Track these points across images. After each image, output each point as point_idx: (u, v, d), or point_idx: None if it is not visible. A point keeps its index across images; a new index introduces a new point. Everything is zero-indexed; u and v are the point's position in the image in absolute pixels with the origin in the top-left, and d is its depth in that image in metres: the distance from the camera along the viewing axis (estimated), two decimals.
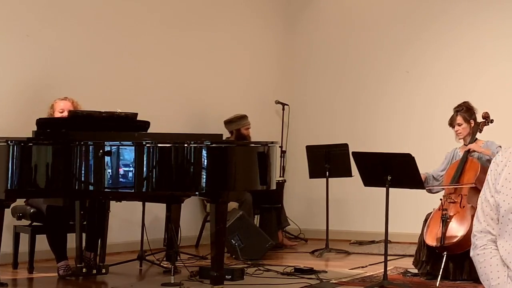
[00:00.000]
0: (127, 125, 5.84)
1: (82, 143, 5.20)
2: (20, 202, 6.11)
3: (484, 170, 5.91)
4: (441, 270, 5.61)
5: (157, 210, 7.39)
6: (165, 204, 6.40)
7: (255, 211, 7.99)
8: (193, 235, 8.10)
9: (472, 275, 5.56)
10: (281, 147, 8.89)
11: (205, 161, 5.21)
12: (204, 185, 5.24)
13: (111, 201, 6.27)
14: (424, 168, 6.16)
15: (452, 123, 6.28)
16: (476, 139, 6.21)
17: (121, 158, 5.19)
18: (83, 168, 5.21)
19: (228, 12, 9.01)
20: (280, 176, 8.70)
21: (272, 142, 5.64)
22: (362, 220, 8.95)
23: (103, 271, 6.04)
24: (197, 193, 5.48)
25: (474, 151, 6.12)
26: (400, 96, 8.99)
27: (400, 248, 7.85)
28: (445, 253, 5.66)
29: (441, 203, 5.94)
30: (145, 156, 5.16)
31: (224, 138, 6.72)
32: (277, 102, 9.26)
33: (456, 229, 5.76)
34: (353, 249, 7.98)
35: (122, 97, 7.40)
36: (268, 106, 9.33)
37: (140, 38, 7.96)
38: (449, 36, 8.73)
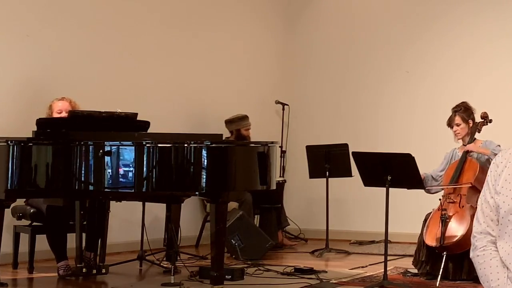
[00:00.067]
0: (127, 125, 5.84)
1: (82, 143, 5.21)
2: (20, 202, 6.11)
3: (483, 170, 5.91)
4: (441, 270, 5.61)
5: (157, 210, 7.39)
6: (165, 204, 6.40)
7: (255, 211, 7.99)
8: (193, 235, 8.10)
9: (472, 275, 5.56)
10: (281, 147, 8.89)
11: (205, 161, 5.21)
12: (204, 185, 5.24)
13: (111, 201, 6.27)
14: (426, 168, 6.17)
15: (450, 124, 6.28)
16: (475, 139, 6.20)
17: (121, 158, 5.19)
18: (83, 168, 5.21)
19: (228, 12, 9.01)
20: (280, 176, 8.70)
21: (272, 142, 5.64)
22: (362, 220, 8.95)
23: (103, 271, 6.04)
24: (197, 193, 5.48)
25: (472, 152, 6.12)
26: (400, 96, 8.98)
27: (400, 248, 7.84)
28: (444, 253, 5.66)
29: (441, 203, 5.94)
30: (145, 156, 5.16)
31: (224, 138, 6.72)
32: (277, 102, 9.26)
33: (456, 229, 5.76)
34: (353, 249, 7.98)
35: (122, 97, 7.40)
36: (268, 106, 9.33)
37: (140, 38, 7.96)
38: (450, 36, 8.73)
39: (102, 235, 6.22)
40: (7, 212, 5.68)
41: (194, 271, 5.97)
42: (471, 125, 6.22)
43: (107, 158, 5.17)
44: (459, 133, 6.22)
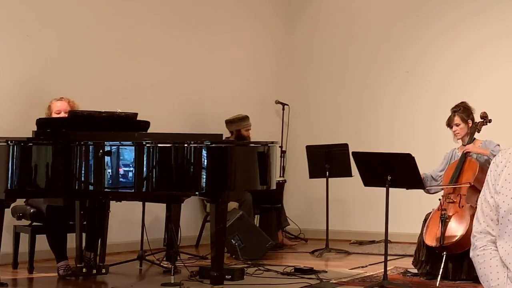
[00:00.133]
0: (127, 125, 5.84)
1: (82, 143, 5.21)
2: (20, 202, 6.12)
3: (483, 169, 5.91)
4: (441, 270, 5.61)
5: (157, 210, 7.39)
6: (165, 204, 6.40)
7: (255, 211, 7.99)
8: (193, 235, 8.10)
9: (471, 274, 5.56)
10: (281, 147, 8.90)
11: (205, 161, 5.21)
12: (204, 185, 5.24)
13: (111, 201, 6.27)
14: (426, 168, 6.17)
15: (449, 124, 6.28)
16: (475, 139, 6.20)
17: (121, 158, 5.19)
18: (83, 168, 5.21)
19: (228, 12, 9.01)
20: (280, 176, 8.70)
21: (272, 142, 5.64)
22: (362, 220, 8.95)
23: (103, 271, 6.04)
24: (197, 193, 5.48)
25: (471, 152, 6.12)
26: (401, 96, 8.98)
27: (400, 248, 7.84)
28: (444, 253, 5.66)
29: (440, 203, 5.94)
30: (145, 156, 5.16)
31: (224, 138, 6.72)
32: (277, 102, 9.26)
33: (455, 229, 5.76)
34: (353, 249, 7.98)
35: (122, 97, 7.40)
36: (268, 106, 9.33)
37: (140, 38, 7.96)
38: (450, 36, 8.73)
39: (102, 235, 6.22)
40: (7, 212, 5.68)
41: (194, 271, 5.97)
42: (470, 125, 6.22)
43: (107, 158, 5.18)
44: (458, 133, 6.22)
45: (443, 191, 6.14)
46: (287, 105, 9.27)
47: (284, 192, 8.79)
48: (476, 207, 2.80)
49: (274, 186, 5.61)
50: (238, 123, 8.19)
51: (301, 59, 9.68)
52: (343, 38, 9.40)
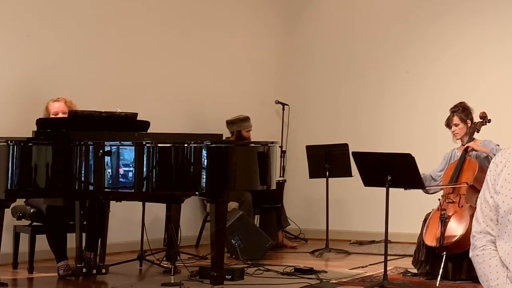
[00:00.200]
0: (127, 125, 5.84)
1: (82, 143, 5.20)
2: (20, 202, 6.12)
3: (482, 169, 5.92)
4: (441, 270, 5.61)
5: (157, 210, 7.39)
6: (165, 204, 6.41)
7: (255, 211, 7.99)
8: (193, 235, 8.10)
9: (471, 274, 5.56)
10: (281, 147, 8.90)
11: (205, 161, 5.21)
12: (204, 185, 5.24)
13: (111, 201, 6.27)
14: (426, 168, 6.17)
15: (448, 124, 6.28)
16: (474, 139, 6.20)
17: (121, 158, 5.19)
18: (83, 168, 5.21)
19: (228, 12, 9.01)
20: (280, 176, 8.70)
21: (272, 142, 5.64)
22: (362, 220, 8.95)
23: (103, 271, 6.05)
24: (197, 193, 5.48)
25: (473, 149, 6.11)
26: (401, 96, 8.98)
27: (400, 248, 7.85)
28: (444, 253, 5.66)
29: (440, 203, 5.94)
30: (145, 156, 5.16)
31: (224, 138, 6.72)
32: (277, 102, 9.26)
33: (455, 229, 5.76)
34: (353, 249, 7.98)
35: (122, 97, 7.40)
36: (268, 106, 9.33)
37: (140, 38, 7.96)
38: (450, 36, 8.73)
39: (102, 235, 6.23)
40: (7, 212, 5.68)
41: (194, 271, 5.97)
42: (469, 125, 6.22)
43: (107, 158, 5.17)
44: (457, 133, 6.22)
45: (442, 191, 6.15)
46: (287, 105, 9.27)
47: (284, 192, 8.80)
48: (475, 207, 2.80)
49: (274, 186, 5.61)
50: (238, 124, 8.19)
51: (301, 59, 9.68)
52: (343, 38, 9.40)
